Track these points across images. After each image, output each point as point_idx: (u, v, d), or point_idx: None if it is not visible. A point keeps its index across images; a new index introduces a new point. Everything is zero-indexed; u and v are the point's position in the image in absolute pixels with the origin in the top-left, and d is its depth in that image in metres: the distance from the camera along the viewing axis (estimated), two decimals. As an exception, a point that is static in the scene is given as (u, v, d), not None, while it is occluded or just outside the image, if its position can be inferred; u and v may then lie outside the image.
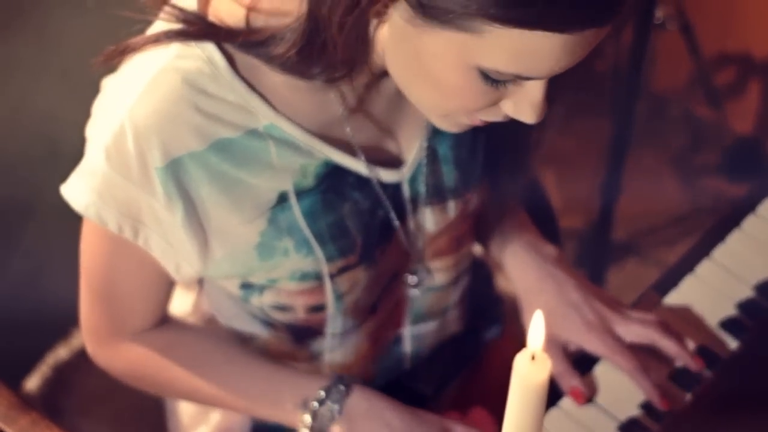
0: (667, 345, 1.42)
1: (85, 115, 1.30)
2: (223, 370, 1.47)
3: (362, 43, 1.14)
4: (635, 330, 1.44)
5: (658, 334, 1.43)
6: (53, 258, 1.89)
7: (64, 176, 1.30)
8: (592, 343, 1.44)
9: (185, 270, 1.35)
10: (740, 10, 3.23)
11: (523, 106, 1.12)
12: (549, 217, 1.69)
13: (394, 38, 1.11)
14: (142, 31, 1.26)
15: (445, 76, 1.09)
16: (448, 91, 1.11)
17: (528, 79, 1.07)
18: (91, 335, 1.49)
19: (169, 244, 1.32)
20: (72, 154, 1.30)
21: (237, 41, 1.20)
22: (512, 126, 1.19)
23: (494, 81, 1.08)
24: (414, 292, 1.52)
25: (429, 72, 1.10)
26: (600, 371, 1.44)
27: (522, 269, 1.56)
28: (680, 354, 1.42)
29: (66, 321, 1.74)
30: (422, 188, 1.41)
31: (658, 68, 3.03)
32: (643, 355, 1.44)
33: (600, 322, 1.46)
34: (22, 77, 1.83)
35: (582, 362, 1.46)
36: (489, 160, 1.44)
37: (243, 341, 1.51)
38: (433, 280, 1.52)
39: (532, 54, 1.03)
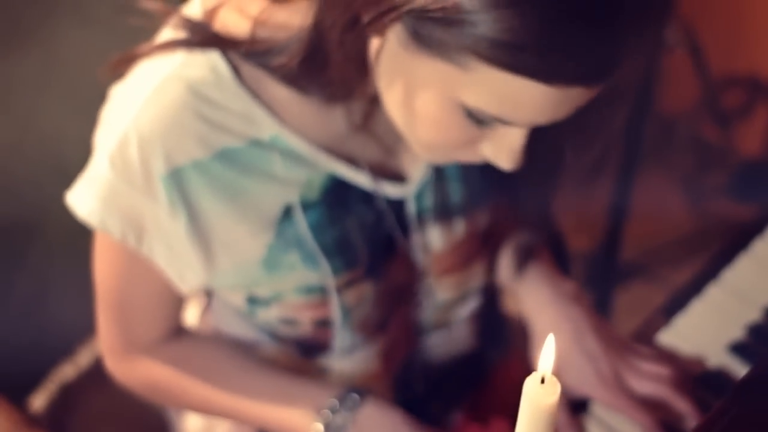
0: (678, 404, 1.40)
1: (91, 132, 1.31)
2: (236, 380, 1.47)
3: (360, 63, 1.15)
4: (648, 385, 1.42)
5: (670, 391, 1.40)
6: (59, 276, 1.89)
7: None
8: (604, 397, 1.41)
9: (189, 279, 1.35)
10: (749, 32, 3.22)
11: (501, 151, 1.13)
12: (557, 238, 1.68)
13: (388, 60, 1.11)
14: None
15: (428, 105, 1.10)
16: (428, 122, 1.12)
17: (508, 124, 1.08)
18: (108, 351, 1.49)
19: (173, 253, 1.32)
20: (78, 172, 1.31)
21: (241, 50, 1.21)
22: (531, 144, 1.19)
23: (475, 119, 1.08)
24: (420, 309, 1.51)
25: (414, 99, 1.11)
26: (598, 410, 1.44)
27: (539, 307, 1.53)
28: (690, 414, 1.39)
29: (71, 340, 1.74)
30: (429, 205, 1.41)
31: (666, 89, 3.03)
32: (649, 405, 1.42)
33: (613, 375, 1.43)
34: (28, 95, 1.83)
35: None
36: (498, 178, 1.44)
37: (253, 353, 1.51)
38: (438, 297, 1.51)
39: (515, 99, 1.03)
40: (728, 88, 3.30)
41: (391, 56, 1.10)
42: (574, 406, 1.43)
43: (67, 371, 1.80)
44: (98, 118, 1.30)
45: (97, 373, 1.53)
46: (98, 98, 1.29)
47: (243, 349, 1.52)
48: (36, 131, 1.81)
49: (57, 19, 1.80)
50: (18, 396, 1.74)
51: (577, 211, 1.55)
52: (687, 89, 3.22)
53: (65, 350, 1.80)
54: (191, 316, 1.61)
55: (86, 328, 1.48)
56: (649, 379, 1.42)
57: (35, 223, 1.84)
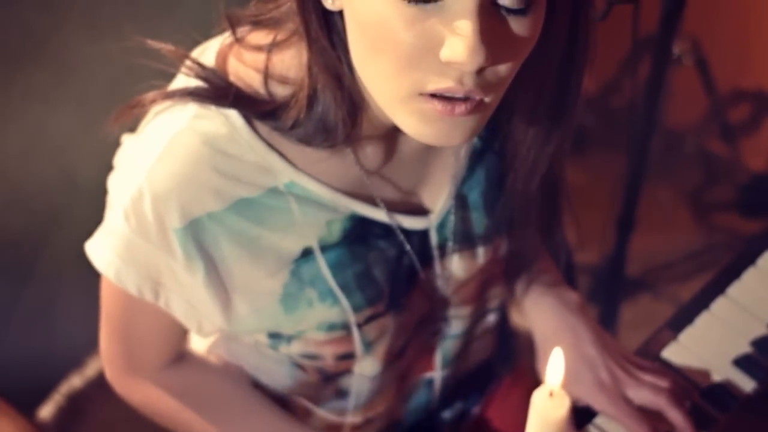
0: (673, 416, 1.40)
1: (101, 145, 1.30)
2: (239, 420, 1.47)
3: (345, 76, 1.16)
4: (645, 395, 1.42)
5: (666, 402, 1.40)
6: (68, 287, 1.89)
7: (79, 206, 1.30)
8: (602, 404, 1.43)
9: (208, 328, 1.35)
10: (756, 47, 3.23)
11: (456, 44, 1.02)
12: (563, 252, 1.68)
13: (348, 24, 1.10)
14: (158, 74, 1.26)
15: (369, 13, 1.05)
16: (378, 35, 1.06)
17: None
18: (109, 363, 1.50)
19: (191, 305, 1.32)
20: (87, 184, 1.31)
21: (250, 111, 1.20)
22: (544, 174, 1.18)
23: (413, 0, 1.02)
24: (440, 335, 1.51)
25: (362, 26, 1.07)
26: (600, 422, 1.44)
27: (542, 316, 1.55)
28: (684, 427, 1.40)
29: (80, 350, 1.74)
30: (451, 235, 1.40)
31: (673, 103, 3.04)
32: (648, 416, 1.42)
33: (612, 382, 1.44)
34: (39, 107, 1.84)
35: (583, 413, 1.45)
36: (520, 207, 1.44)
37: (264, 389, 1.51)
38: (452, 328, 1.51)
39: None
40: (735, 103, 3.30)
41: (345, 12, 1.10)
42: (578, 416, 1.44)
43: (75, 382, 1.80)
44: (109, 133, 1.29)
45: (104, 383, 1.53)
46: (108, 111, 1.29)
47: (249, 386, 1.52)
48: (46, 143, 1.82)
49: (68, 31, 1.80)
50: (26, 406, 1.74)
51: (584, 226, 1.55)
52: (694, 103, 3.23)
53: (73, 361, 1.81)
54: (199, 343, 1.60)
55: (94, 339, 1.48)
56: (646, 389, 1.43)
57: (44, 233, 1.84)
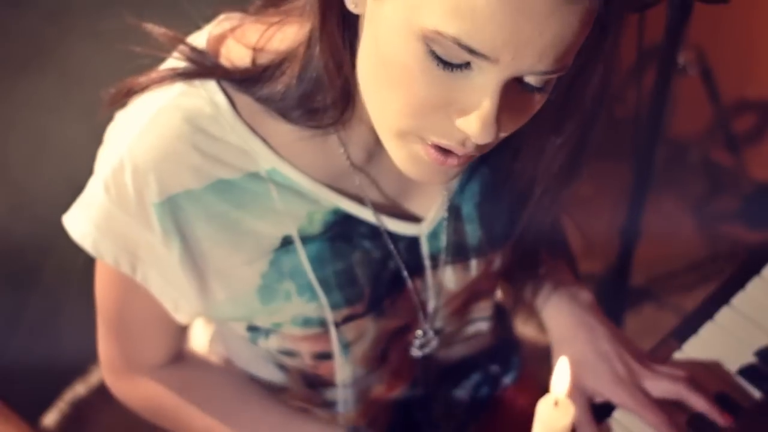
0: (695, 401, 1.40)
1: (107, 152, 1.30)
2: (240, 414, 1.47)
3: (347, 65, 1.15)
4: (664, 385, 1.43)
5: (686, 390, 1.41)
6: (72, 295, 1.89)
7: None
8: (619, 397, 1.43)
9: (184, 308, 1.35)
10: (761, 57, 3.23)
11: (471, 116, 1.04)
12: (568, 261, 1.68)
13: (364, 33, 1.10)
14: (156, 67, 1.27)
15: (394, 52, 1.04)
16: (395, 75, 1.05)
17: (471, 51, 0.99)
18: (107, 367, 1.50)
19: (167, 281, 1.32)
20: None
21: (235, 78, 1.21)
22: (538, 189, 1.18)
23: (442, 63, 1.02)
24: (421, 351, 1.51)
25: (382, 56, 1.06)
26: (618, 417, 1.44)
27: (556, 316, 1.56)
28: (709, 411, 1.40)
29: (84, 358, 1.74)
30: (443, 245, 1.40)
31: (677, 113, 3.03)
32: (667, 408, 1.43)
33: (629, 375, 1.45)
34: (44, 114, 1.84)
35: (602, 407, 1.45)
36: (515, 221, 1.44)
37: (261, 385, 1.51)
38: (438, 338, 1.51)
39: (471, 10, 0.96)
40: (740, 113, 3.30)
41: (366, 24, 1.09)
42: (597, 412, 1.44)
43: (79, 389, 1.80)
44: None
45: (108, 390, 1.53)
46: (113, 118, 1.30)
47: (249, 381, 1.52)
48: (51, 150, 1.82)
49: (73, 39, 1.80)
50: (30, 414, 1.74)
51: (588, 235, 1.55)
52: (699, 113, 3.23)
53: (78, 369, 1.81)
54: (200, 342, 1.61)
55: (99, 347, 1.49)
56: (665, 379, 1.43)
57: (49, 241, 1.84)
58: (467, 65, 1.01)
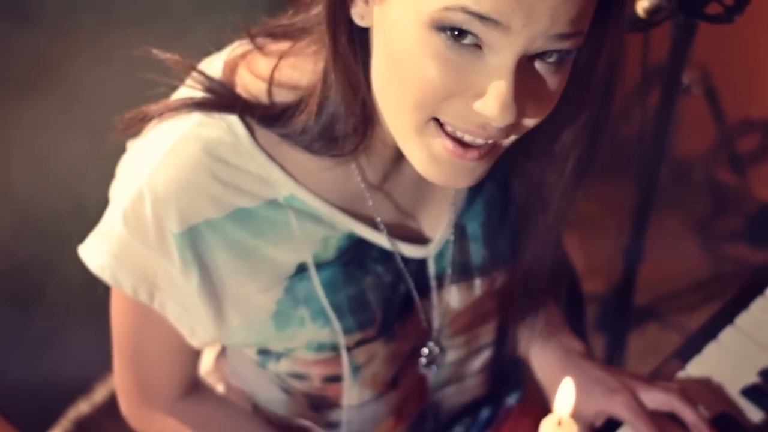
0: (686, 414, 1.41)
1: (111, 171, 1.31)
2: None
3: (362, 86, 1.15)
4: (657, 397, 1.43)
5: (678, 402, 1.42)
6: (76, 313, 1.89)
7: (88, 233, 1.30)
8: (615, 407, 1.44)
9: (200, 335, 1.35)
10: (765, 77, 3.23)
11: (488, 97, 1.04)
12: (572, 281, 1.68)
13: (375, 42, 1.11)
14: (166, 93, 1.27)
15: (405, 48, 1.04)
16: (409, 70, 1.05)
17: (481, 17, 0.99)
18: (124, 397, 1.49)
19: (185, 309, 1.31)
20: (97, 211, 1.31)
21: (255, 115, 1.21)
22: (541, 204, 1.18)
23: (454, 45, 1.02)
24: (429, 368, 1.51)
25: (394, 56, 1.06)
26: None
27: (546, 360, 1.57)
28: (698, 424, 1.40)
29: (87, 376, 1.74)
30: (449, 265, 1.40)
31: (682, 133, 3.04)
32: (661, 420, 1.43)
33: (624, 387, 1.45)
34: (49, 133, 1.84)
35: (604, 429, 1.45)
36: (520, 240, 1.44)
37: (264, 410, 1.52)
38: (446, 357, 1.51)
39: None
40: (744, 132, 3.30)
41: (375, 31, 1.10)
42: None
43: (82, 408, 1.80)
44: (117, 158, 1.30)
45: (111, 409, 1.53)
46: (118, 138, 1.30)
47: (267, 423, 1.52)
48: (56, 168, 1.82)
49: (77, 58, 1.81)
50: (34, 431, 1.74)
51: (592, 255, 1.55)
52: (703, 133, 3.23)
53: (81, 386, 1.81)
54: (205, 362, 1.61)
55: (102, 365, 1.48)
56: (658, 390, 1.44)
57: (54, 260, 1.85)
58: (478, 47, 1.02)
